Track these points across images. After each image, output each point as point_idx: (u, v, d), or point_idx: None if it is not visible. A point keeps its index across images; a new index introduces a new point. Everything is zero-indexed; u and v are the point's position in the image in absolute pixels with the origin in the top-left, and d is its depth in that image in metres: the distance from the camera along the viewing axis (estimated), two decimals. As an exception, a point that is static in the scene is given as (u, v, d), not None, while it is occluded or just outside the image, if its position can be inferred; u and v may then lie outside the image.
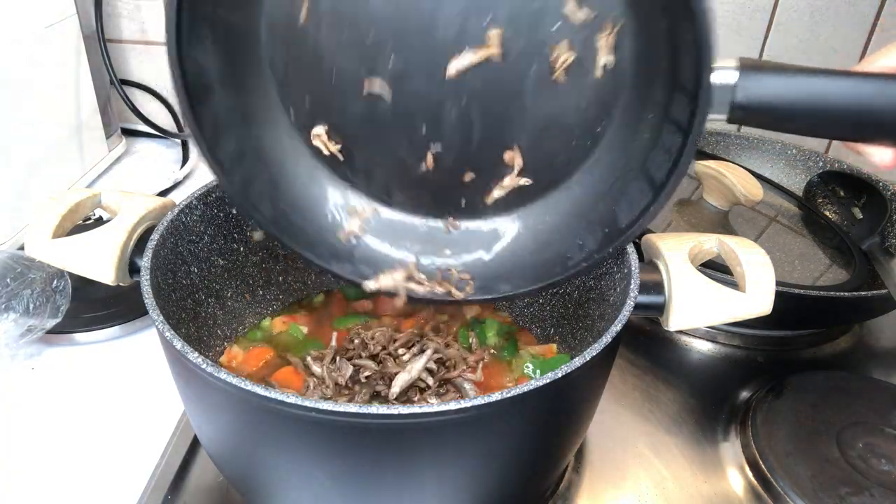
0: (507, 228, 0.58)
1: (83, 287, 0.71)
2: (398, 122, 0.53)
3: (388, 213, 0.59)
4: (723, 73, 0.44)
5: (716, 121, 0.44)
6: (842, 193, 0.99)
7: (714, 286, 0.53)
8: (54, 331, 0.70)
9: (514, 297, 0.57)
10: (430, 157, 0.54)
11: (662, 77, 0.48)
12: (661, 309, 0.54)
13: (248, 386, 0.41)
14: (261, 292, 0.70)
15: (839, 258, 0.87)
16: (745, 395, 0.73)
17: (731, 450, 0.66)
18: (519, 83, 0.51)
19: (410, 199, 0.58)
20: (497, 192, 0.56)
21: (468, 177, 0.55)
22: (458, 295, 0.55)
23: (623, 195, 0.52)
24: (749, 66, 0.44)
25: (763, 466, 0.63)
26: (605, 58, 0.49)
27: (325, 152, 0.55)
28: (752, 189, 0.89)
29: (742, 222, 0.91)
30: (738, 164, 0.93)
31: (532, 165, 0.54)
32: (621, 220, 0.52)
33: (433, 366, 0.60)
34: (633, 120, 0.51)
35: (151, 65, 1.14)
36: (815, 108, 0.44)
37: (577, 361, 0.45)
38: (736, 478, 0.64)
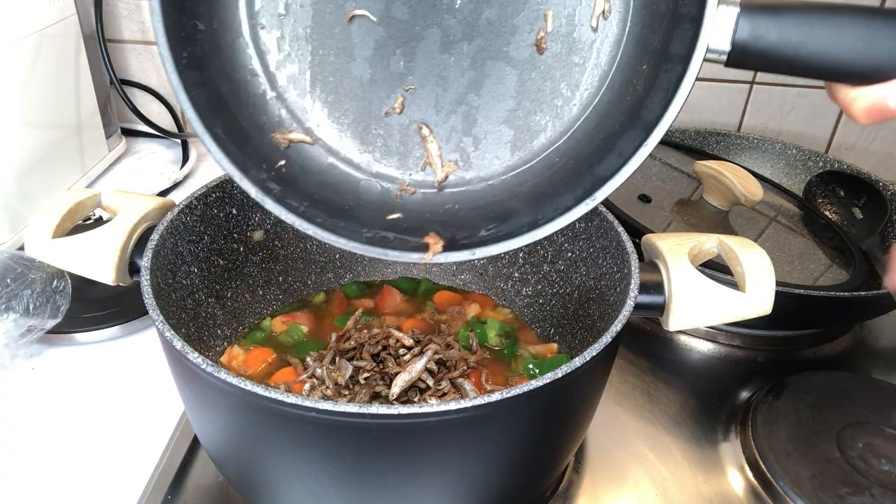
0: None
1: (83, 287, 0.71)
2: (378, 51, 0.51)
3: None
4: (725, 8, 0.42)
5: (714, 59, 0.43)
6: (842, 193, 0.99)
7: (714, 286, 0.53)
8: (54, 331, 0.70)
9: (493, 241, 0.50)
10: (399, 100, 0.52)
11: (662, 17, 0.46)
12: (661, 309, 0.54)
13: (248, 386, 0.41)
14: (261, 292, 0.70)
15: (839, 258, 0.87)
16: (745, 395, 0.73)
17: (731, 450, 0.66)
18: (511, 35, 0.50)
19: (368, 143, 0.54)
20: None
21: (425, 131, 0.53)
22: (435, 243, 0.49)
23: (613, 144, 0.49)
24: (751, 4, 0.43)
25: (763, 466, 0.63)
26: (603, 4, 0.48)
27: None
28: (752, 189, 0.89)
29: (742, 222, 0.91)
30: (738, 164, 0.93)
31: (517, 127, 0.52)
32: (607, 168, 0.48)
33: (433, 366, 0.60)
34: (628, 73, 0.49)
35: (151, 65, 1.14)
36: (822, 54, 0.42)
37: (577, 361, 0.45)
38: (736, 478, 0.64)
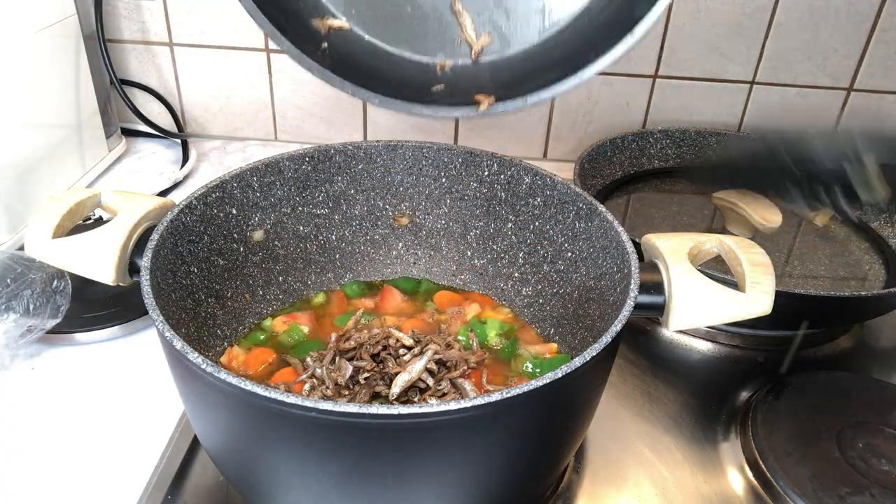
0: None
1: (83, 287, 0.71)
2: None
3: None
4: None
5: None
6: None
7: (714, 286, 0.53)
8: (54, 331, 0.70)
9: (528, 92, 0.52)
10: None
11: None
12: (661, 309, 0.54)
13: (248, 386, 0.41)
14: (261, 292, 0.70)
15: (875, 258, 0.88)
16: (745, 395, 0.73)
17: (731, 450, 0.66)
18: None
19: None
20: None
21: None
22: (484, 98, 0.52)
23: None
24: None
25: (763, 466, 0.63)
26: None
27: None
28: (768, 217, 0.87)
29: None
30: (755, 192, 0.91)
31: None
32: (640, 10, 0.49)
33: (433, 366, 0.60)
34: None
35: (151, 65, 1.14)
36: None
37: (577, 361, 0.45)
38: (736, 478, 0.64)
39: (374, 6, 0.55)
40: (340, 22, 0.54)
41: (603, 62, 0.49)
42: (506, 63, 0.55)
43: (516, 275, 0.72)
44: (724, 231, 0.91)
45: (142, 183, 1.04)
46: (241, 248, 0.67)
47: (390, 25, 0.55)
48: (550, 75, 0.51)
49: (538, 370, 0.64)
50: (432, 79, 0.55)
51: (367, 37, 0.55)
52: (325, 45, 0.53)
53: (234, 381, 0.42)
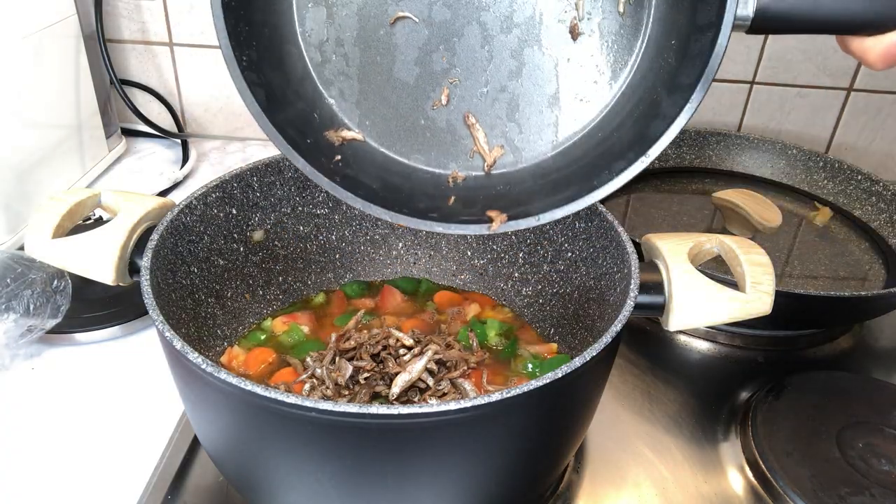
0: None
1: (83, 287, 0.71)
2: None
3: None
4: None
5: (740, 25, 0.45)
6: None
7: (714, 286, 0.53)
8: (54, 331, 0.70)
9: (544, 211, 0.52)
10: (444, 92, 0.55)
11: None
12: (661, 309, 0.54)
13: (248, 386, 0.41)
14: (261, 292, 0.70)
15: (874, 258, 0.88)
16: (745, 395, 0.73)
17: (731, 450, 0.66)
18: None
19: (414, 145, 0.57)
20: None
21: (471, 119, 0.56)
22: (497, 218, 0.52)
23: (657, 110, 0.51)
24: None
25: (763, 466, 0.63)
26: None
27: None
28: (767, 216, 0.87)
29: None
30: (752, 191, 0.91)
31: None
32: (655, 130, 0.50)
33: (433, 366, 0.60)
34: (659, 48, 0.52)
35: (151, 65, 1.14)
36: (837, 9, 0.45)
37: (577, 361, 0.45)
38: (736, 478, 0.64)
39: (387, 118, 0.56)
40: (354, 133, 0.56)
41: (617, 182, 0.50)
42: (518, 176, 0.56)
43: (516, 275, 0.72)
44: (724, 231, 0.91)
45: (142, 183, 1.04)
46: (241, 248, 0.67)
47: (404, 137, 0.57)
48: (565, 193, 0.52)
49: (538, 370, 0.64)
50: (445, 191, 0.56)
51: (380, 148, 0.57)
52: (338, 157, 0.54)
53: (234, 381, 0.42)
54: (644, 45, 0.53)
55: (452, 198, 0.55)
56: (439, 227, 0.52)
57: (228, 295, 0.66)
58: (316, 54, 0.55)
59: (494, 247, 0.73)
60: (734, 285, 0.54)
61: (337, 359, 0.62)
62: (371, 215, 0.55)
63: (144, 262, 0.53)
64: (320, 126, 0.55)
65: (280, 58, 0.54)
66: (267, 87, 0.51)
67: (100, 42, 0.99)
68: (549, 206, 0.51)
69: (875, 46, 0.45)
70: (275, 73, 0.53)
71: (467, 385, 0.60)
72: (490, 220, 0.51)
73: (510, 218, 0.51)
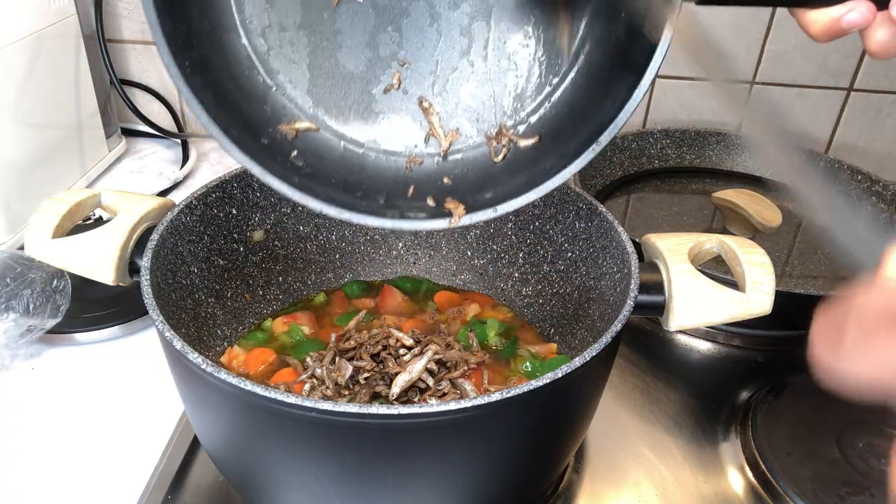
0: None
1: (83, 287, 0.71)
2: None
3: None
4: None
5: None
6: None
7: (714, 286, 0.53)
8: (54, 331, 0.70)
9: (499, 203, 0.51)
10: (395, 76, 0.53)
11: None
12: (661, 309, 0.54)
13: (248, 386, 0.41)
14: (261, 292, 0.70)
15: None
16: (745, 395, 0.73)
17: (731, 450, 0.66)
18: None
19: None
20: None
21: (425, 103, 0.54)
22: (455, 209, 0.51)
23: (607, 90, 0.50)
24: None
25: (763, 466, 0.63)
26: None
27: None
28: (766, 216, 0.87)
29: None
30: (752, 191, 0.91)
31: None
32: (606, 114, 0.49)
33: (433, 366, 0.60)
34: (607, 26, 0.51)
35: (151, 65, 1.14)
36: None
37: (577, 361, 0.45)
38: (736, 478, 0.64)
39: (340, 105, 0.54)
40: (308, 123, 0.54)
41: (570, 170, 0.49)
42: (474, 160, 0.55)
43: (516, 275, 0.72)
44: (724, 231, 0.91)
45: (142, 183, 1.04)
46: (241, 248, 0.67)
47: (359, 123, 0.55)
48: (520, 180, 0.51)
49: (538, 370, 0.64)
50: (404, 179, 0.54)
51: (335, 138, 0.55)
52: (294, 152, 0.52)
53: (234, 381, 0.42)
54: (593, 18, 0.51)
55: (412, 187, 0.54)
56: (403, 224, 0.50)
57: (228, 295, 0.66)
58: (260, 41, 0.52)
59: (494, 247, 0.73)
60: (734, 285, 0.54)
61: (337, 359, 0.62)
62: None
63: (144, 262, 0.53)
64: (272, 120, 0.52)
65: (223, 52, 0.51)
66: (214, 87, 0.49)
67: (100, 42, 0.99)
68: (508, 195, 0.49)
69: (819, 19, 0.45)
70: (221, 72, 0.50)
71: (467, 385, 0.60)
72: (450, 214, 0.50)
73: (468, 210, 0.50)
